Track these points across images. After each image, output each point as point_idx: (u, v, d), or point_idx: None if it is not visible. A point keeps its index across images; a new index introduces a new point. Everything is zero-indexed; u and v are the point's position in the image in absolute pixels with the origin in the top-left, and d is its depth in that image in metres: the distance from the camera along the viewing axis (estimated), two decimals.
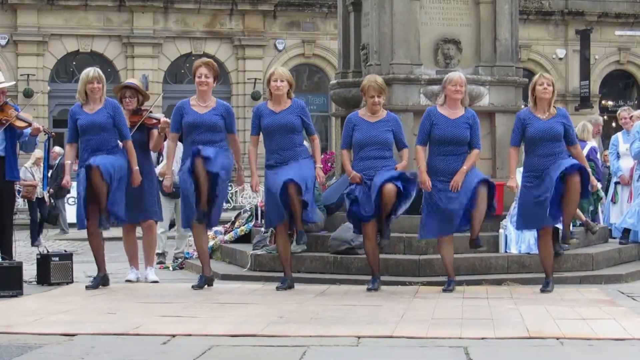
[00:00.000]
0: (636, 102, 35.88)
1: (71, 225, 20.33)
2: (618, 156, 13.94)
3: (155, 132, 10.71)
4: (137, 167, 10.06)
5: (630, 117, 14.11)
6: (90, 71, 10.11)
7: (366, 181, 9.70)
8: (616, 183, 13.92)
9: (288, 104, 9.94)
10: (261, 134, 9.99)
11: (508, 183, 9.97)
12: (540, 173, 9.62)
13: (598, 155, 13.68)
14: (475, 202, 9.64)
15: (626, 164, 13.94)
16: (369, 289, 9.74)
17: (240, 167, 10.42)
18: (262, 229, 11.89)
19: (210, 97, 10.05)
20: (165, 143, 11.02)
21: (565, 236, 10.01)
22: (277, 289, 9.82)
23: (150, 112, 10.86)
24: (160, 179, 10.96)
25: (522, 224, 10.00)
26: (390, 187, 9.56)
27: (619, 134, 14.36)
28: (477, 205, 9.66)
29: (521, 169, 10.05)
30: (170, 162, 10.33)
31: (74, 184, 10.63)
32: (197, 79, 10.01)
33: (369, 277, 10.02)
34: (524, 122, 9.77)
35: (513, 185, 9.89)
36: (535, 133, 9.68)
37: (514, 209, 11.26)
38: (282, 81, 9.90)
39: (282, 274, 10.21)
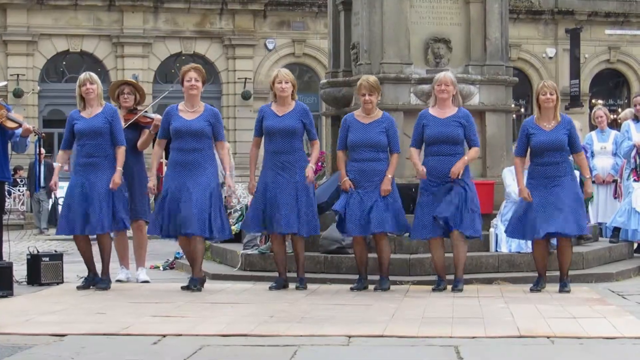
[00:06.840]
0: (626, 100, 35.95)
1: None
2: (592, 155, 13.95)
3: (146, 131, 10.70)
4: (120, 169, 9.98)
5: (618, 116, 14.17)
6: (82, 75, 10.23)
7: (358, 191, 9.71)
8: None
9: (291, 107, 9.94)
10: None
11: (520, 194, 9.76)
12: (543, 180, 9.61)
13: (589, 154, 13.69)
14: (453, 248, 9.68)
15: (600, 162, 13.98)
16: (351, 289, 9.75)
17: (228, 177, 10.35)
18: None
19: (199, 101, 10.02)
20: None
21: (563, 286, 9.78)
22: (270, 288, 9.82)
23: (146, 111, 10.87)
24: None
25: (511, 231, 9.96)
26: (384, 243, 9.80)
27: (593, 133, 14.42)
28: (455, 252, 9.66)
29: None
30: (155, 166, 10.27)
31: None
32: (186, 84, 9.97)
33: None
34: (528, 132, 9.76)
35: (525, 195, 9.66)
36: (539, 144, 9.66)
37: (504, 207, 11.28)
38: (286, 82, 9.90)
39: (272, 274, 10.21)
